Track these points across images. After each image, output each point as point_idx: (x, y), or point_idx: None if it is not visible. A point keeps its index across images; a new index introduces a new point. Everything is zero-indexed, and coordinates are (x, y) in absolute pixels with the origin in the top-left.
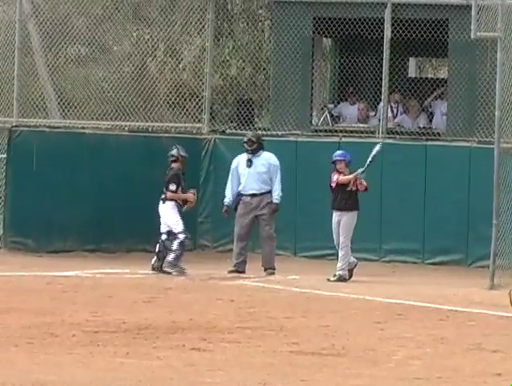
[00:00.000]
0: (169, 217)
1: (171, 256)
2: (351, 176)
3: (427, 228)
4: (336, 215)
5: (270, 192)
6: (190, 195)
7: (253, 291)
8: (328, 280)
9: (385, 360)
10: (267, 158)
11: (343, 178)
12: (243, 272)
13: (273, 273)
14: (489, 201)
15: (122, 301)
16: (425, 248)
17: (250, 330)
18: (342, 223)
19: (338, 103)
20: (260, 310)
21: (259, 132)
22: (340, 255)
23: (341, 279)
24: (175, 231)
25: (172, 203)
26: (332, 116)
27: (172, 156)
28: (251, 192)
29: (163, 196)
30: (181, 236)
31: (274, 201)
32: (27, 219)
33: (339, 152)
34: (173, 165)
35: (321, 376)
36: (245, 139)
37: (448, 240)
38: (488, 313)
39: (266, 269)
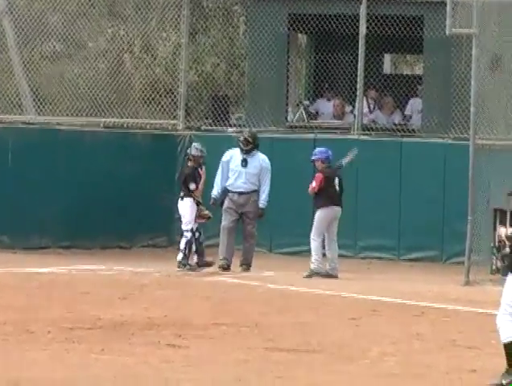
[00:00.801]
0: (185, 213)
1: (180, 256)
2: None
3: (403, 225)
4: None
5: (256, 191)
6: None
7: (229, 287)
8: (303, 277)
9: (360, 356)
10: (260, 160)
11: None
12: (228, 268)
13: (247, 270)
14: (464, 197)
15: (98, 297)
16: (400, 244)
17: (226, 326)
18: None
19: (313, 100)
20: (235, 306)
21: (246, 129)
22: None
23: (314, 273)
24: (184, 228)
25: (191, 200)
26: (308, 113)
27: (186, 155)
28: (239, 190)
29: (181, 194)
30: (188, 235)
31: (261, 206)
32: (2, 215)
33: (316, 150)
34: (189, 163)
35: (297, 373)
36: (242, 138)
37: (424, 237)
38: (463, 309)
39: (241, 265)
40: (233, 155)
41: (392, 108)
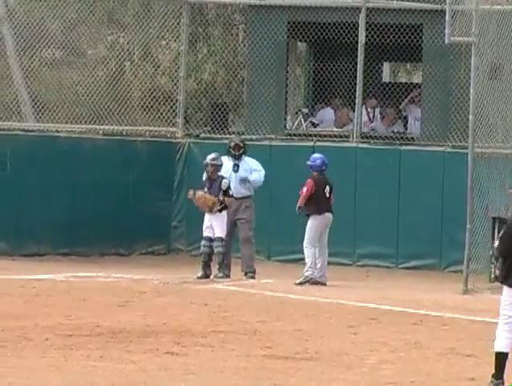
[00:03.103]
0: (215, 226)
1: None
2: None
3: (401, 233)
4: None
5: (249, 197)
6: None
7: (227, 295)
8: (295, 283)
9: (358, 364)
10: (249, 163)
11: (300, 203)
12: (228, 276)
13: (253, 277)
14: (462, 206)
15: (96, 304)
16: (399, 252)
17: (224, 334)
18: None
19: (313, 108)
20: (234, 313)
21: (234, 136)
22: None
23: (307, 280)
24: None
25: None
26: (312, 122)
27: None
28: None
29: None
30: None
31: (248, 178)
32: (1, 222)
33: (312, 155)
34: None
35: (295, 380)
36: (232, 144)
37: (422, 245)
38: (461, 317)
39: (246, 273)
40: (224, 162)
41: (393, 120)
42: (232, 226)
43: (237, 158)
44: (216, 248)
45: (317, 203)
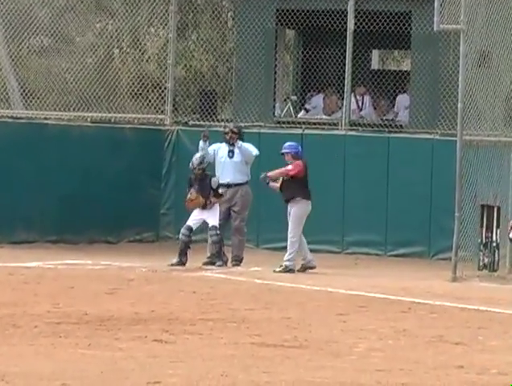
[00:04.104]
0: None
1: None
2: (280, 170)
3: (390, 220)
4: (288, 207)
5: (245, 184)
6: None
7: (216, 283)
8: (274, 271)
9: (347, 352)
10: (245, 148)
11: (271, 174)
12: (226, 263)
13: (237, 265)
14: (451, 193)
15: (84, 292)
16: (387, 240)
17: (212, 321)
18: (291, 214)
19: (305, 94)
20: (222, 301)
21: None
22: (287, 246)
23: (287, 270)
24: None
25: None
26: (306, 109)
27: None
28: (226, 181)
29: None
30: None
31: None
32: None
33: (286, 144)
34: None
35: (283, 368)
36: (227, 130)
37: (411, 233)
38: (450, 305)
39: (232, 260)
40: (219, 148)
41: (386, 111)
42: (226, 214)
43: (231, 144)
44: (211, 237)
45: (302, 188)
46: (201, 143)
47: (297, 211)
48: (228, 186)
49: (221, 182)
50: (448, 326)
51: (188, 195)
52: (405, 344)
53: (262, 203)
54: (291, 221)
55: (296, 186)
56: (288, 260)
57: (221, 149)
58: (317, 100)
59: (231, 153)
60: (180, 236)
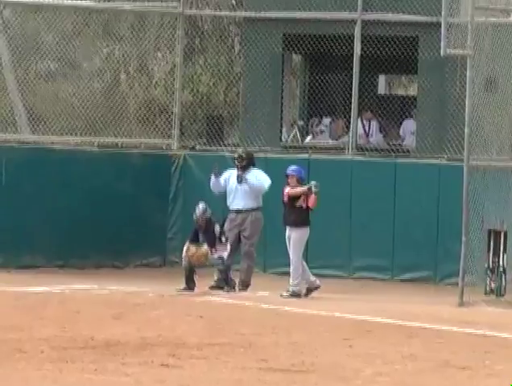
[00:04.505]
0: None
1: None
2: (301, 189)
3: (397, 245)
4: (287, 231)
5: (256, 210)
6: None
7: (223, 307)
8: (281, 295)
9: (353, 377)
10: (257, 176)
11: (293, 191)
12: (234, 288)
13: (244, 290)
14: (458, 218)
15: (91, 317)
16: (394, 264)
17: (219, 346)
18: (292, 239)
19: (308, 120)
20: (229, 326)
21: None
22: (291, 271)
23: (295, 295)
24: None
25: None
26: (315, 132)
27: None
28: (236, 208)
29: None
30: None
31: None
32: None
33: (293, 167)
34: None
35: None
36: (236, 155)
37: (417, 257)
38: (457, 330)
39: (239, 284)
40: (232, 174)
41: (395, 136)
42: (237, 238)
43: (240, 169)
44: (217, 266)
45: (305, 214)
46: (213, 178)
47: (298, 237)
48: (238, 211)
49: (232, 208)
50: (454, 350)
51: (186, 251)
52: (411, 369)
53: (268, 227)
54: (292, 246)
55: (299, 213)
56: (295, 285)
57: (233, 175)
58: (328, 123)
59: (239, 179)
60: (183, 262)
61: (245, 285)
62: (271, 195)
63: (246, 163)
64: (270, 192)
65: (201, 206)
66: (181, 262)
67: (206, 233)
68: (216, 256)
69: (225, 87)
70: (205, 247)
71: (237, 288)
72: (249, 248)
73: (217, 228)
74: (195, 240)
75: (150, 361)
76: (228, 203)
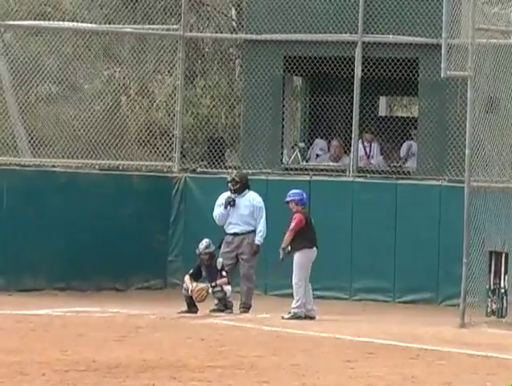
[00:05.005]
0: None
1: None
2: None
3: (398, 267)
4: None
5: (252, 232)
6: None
7: (224, 330)
8: (283, 318)
9: None
10: (251, 199)
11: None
12: (232, 311)
13: (245, 312)
14: (459, 240)
15: (92, 339)
16: (395, 286)
17: (221, 368)
18: (294, 261)
19: (309, 141)
20: (230, 348)
21: (234, 170)
22: (294, 293)
23: (296, 317)
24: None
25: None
26: (317, 155)
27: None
28: (233, 231)
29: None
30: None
31: (256, 242)
32: None
33: (290, 192)
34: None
35: None
36: (229, 178)
37: (419, 279)
38: (459, 351)
39: (240, 307)
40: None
41: (398, 158)
42: (234, 260)
43: (234, 192)
44: (215, 293)
45: (309, 237)
46: (223, 210)
47: (298, 259)
48: (235, 234)
49: (229, 232)
50: (456, 372)
51: (187, 289)
52: None
53: (269, 249)
54: (294, 268)
55: (297, 237)
56: (296, 307)
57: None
58: (322, 144)
59: (233, 202)
60: (183, 291)
61: (246, 308)
62: (274, 217)
63: (240, 186)
64: (272, 215)
65: (205, 242)
66: (182, 285)
67: (208, 268)
68: (217, 288)
69: (226, 109)
70: (206, 284)
71: (236, 310)
72: (248, 271)
73: (220, 261)
74: (195, 274)
75: (151, 384)
76: (224, 226)
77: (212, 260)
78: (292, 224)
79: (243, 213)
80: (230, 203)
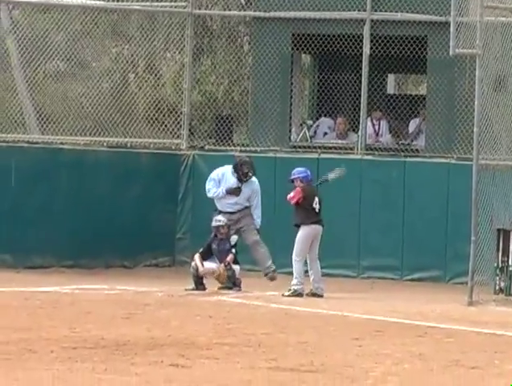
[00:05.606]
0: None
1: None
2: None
3: (406, 245)
4: None
5: (248, 207)
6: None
7: (232, 307)
8: (283, 295)
9: (363, 377)
10: (251, 184)
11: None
12: (231, 288)
13: (273, 277)
14: (467, 218)
15: (101, 317)
16: (403, 264)
17: (228, 346)
18: (297, 237)
19: (317, 119)
20: (238, 326)
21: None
22: (293, 268)
23: (296, 294)
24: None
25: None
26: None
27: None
28: (230, 210)
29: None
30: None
31: (256, 226)
32: (5, 234)
33: (294, 170)
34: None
35: None
36: (245, 170)
37: (427, 257)
38: (466, 329)
39: (266, 275)
40: (225, 174)
41: (407, 135)
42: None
43: (244, 182)
44: (226, 272)
45: (306, 214)
46: (224, 192)
47: (299, 235)
48: (232, 213)
49: (226, 210)
50: (464, 350)
51: (196, 268)
52: (421, 369)
53: (277, 227)
54: (295, 243)
55: (298, 213)
56: (295, 283)
57: (227, 176)
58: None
59: (239, 193)
60: (191, 269)
61: (272, 270)
62: (282, 195)
63: (250, 177)
64: (279, 192)
65: (221, 216)
66: (190, 262)
67: (221, 243)
68: (228, 267)
69: (234, 87)
70: (217, 265)
71: (265, 278)
72: (255, 237)
73: (235, 237)
74: (205, 253)
75: (159, 361)
76: (216, 202)
77: (229, 233)
78: (292, 197)
79: (243, 197)
80: (236, 194)
